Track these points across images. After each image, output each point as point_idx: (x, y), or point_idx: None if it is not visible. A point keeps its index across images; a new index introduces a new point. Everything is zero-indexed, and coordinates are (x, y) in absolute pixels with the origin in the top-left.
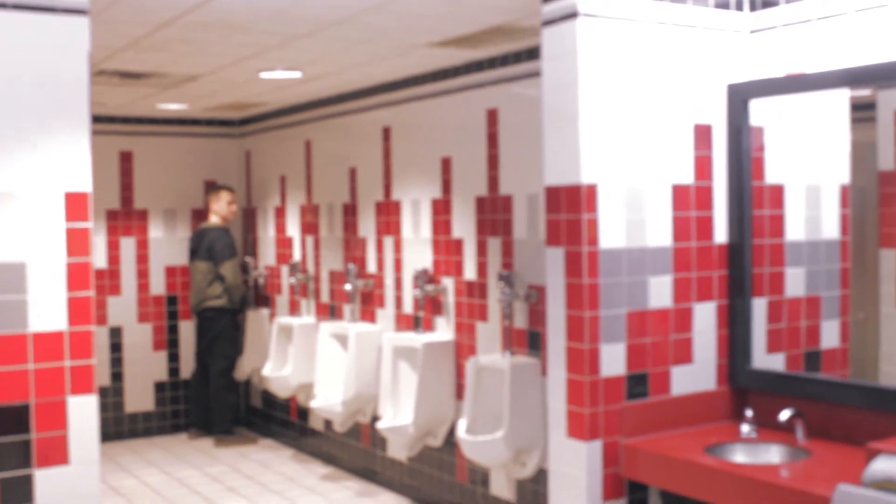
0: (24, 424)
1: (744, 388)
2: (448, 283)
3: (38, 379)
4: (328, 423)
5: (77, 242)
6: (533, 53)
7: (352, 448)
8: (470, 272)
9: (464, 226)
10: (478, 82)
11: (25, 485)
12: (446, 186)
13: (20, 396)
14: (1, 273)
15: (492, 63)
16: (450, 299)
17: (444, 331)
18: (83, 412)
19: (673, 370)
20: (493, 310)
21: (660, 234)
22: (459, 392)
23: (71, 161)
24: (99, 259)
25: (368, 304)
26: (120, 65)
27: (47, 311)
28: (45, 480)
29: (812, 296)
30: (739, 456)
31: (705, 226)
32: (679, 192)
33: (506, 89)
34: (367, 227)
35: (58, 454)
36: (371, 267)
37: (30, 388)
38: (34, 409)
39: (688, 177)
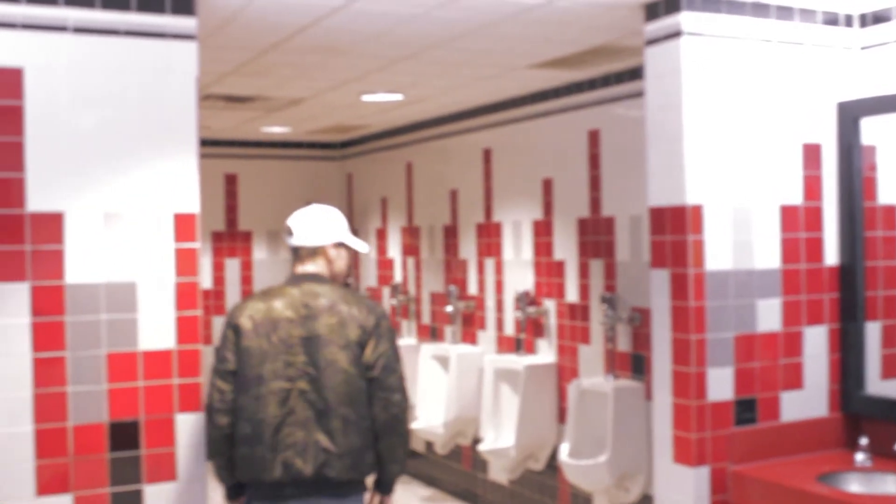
0: (134, 440)
1: (857, 415)
2: (550, 305)
3: (148, 396)
4: (429, 445)
5: (185, 263)
6: (635, 73)
7: (453, 470)
8: (572, 294)
9: (566, 247)
10: (579, 103)
11: (136, 500)
12: (548, 208)
13: (131, 413)
14: (113, 292)
15: (592, 84)
16: (552, 321)
17: (545, 353)
18: (190, 429)
19: (783, 395)
20: (596, 332)
21: (768, 255)
22: (561, 415)
23: (180, 183)
24: (205, 279)
25: (469, 325)
26: (225, 89)
27: (157, 329)
28: (154, 496)
29: None
30: (854, 486)
31: (815, 247)
32: (788, 213)
33: (607, 110)
34: (467, 248)
35: (166, 470)
36: (472, 289)
37: (139, 404)
38: (144, 426)
39: (797, 197)
